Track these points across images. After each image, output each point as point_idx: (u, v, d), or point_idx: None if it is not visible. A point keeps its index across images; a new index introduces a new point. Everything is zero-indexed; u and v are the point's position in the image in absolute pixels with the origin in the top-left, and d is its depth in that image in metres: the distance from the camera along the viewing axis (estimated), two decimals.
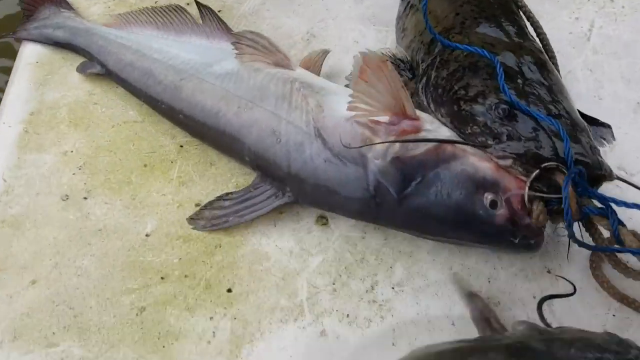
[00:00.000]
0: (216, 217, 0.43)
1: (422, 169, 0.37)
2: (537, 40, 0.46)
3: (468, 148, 0.37)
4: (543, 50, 0.43)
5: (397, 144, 0.38)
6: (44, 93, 0.52)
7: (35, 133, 0.50)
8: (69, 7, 0.57)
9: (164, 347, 0.38)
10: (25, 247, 0.43)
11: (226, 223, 0.42)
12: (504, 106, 0.38)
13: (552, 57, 0.46)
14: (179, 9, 0.52)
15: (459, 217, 0.37)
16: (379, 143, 0.38)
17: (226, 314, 0.40)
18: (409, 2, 0.53)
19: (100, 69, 0.52)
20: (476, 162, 0.37)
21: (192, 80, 0.46)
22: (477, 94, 0.40)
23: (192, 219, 0.43)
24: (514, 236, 0.36)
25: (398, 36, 0.53)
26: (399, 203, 0.37)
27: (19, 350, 0.38)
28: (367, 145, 0.38)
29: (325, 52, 0.50)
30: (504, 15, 0.46)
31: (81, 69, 0.53)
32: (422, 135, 0.38)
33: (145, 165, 0.48)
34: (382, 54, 0.47)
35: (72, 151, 0.49)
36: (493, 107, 0.38)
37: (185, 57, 0.48)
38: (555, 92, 0.39)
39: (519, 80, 0.39)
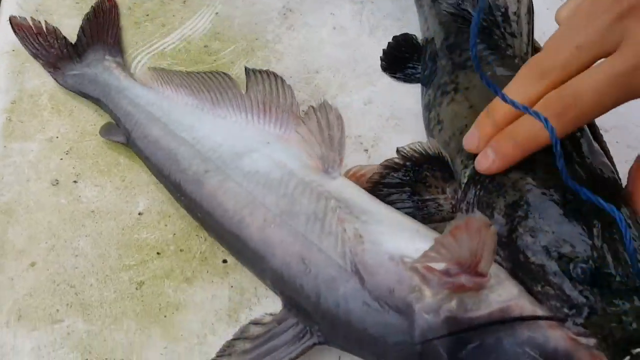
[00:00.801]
0: None
1: (482, 332, 0.32)
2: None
3: (538, 311, 0.32)
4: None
5: (454, 301, 0.32)
6: (23, 81, 0.53)
7: (19, 121, 0.50)
8: (116, 54, 0.52)
9: (165, 317, 0.40)
10: (20, 232, 0.44)
11: None
12: (584, 266, 0.32)
13: None
14: (222, 75, 0.47)
15: None
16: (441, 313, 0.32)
17: (223, 283, 0.42)
18: (439, 88, 0.47)
19: (124, 139, 0.47)
20: (548, 330, 0.32)
21: (217, 176, 0.41)
22: (549, 244, 0.33)
23: None
24: None
25: (431, 127, 0.47)
26: None
27: (26, 328, 0.39)
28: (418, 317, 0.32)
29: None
30: None
31: (104, 134, 0.48)
32: (485, 294, 0.32)
33: None
34: (413, 149, 0.40)
35: (57, 137, 0.49)
36: (571, 266, 0.32)
37: (215, 141, 0.43)
38: None
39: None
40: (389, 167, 0.41)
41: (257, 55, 0.55)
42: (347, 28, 0.58)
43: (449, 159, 0.41)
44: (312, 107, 0.42)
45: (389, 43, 0.55)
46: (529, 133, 0.36)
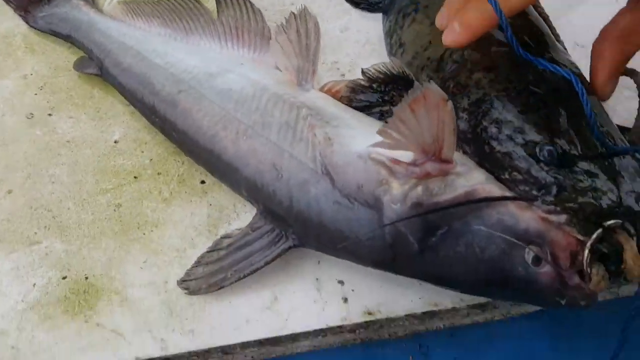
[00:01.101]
0: (212, 273, 0.37)
1: (450, 217, 0.32)
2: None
3: (510, 201, 0.32)
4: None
5: (420, 187, 0.32)
6: None
7: None
8: None
9: (144, 234, 0.40)
10: None
11: (225, 281, 0.36)
12: (550, 148, 0.32)
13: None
14: (192, 2, 0.47)
15: (493, 272, 0.32)
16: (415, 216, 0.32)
17: (201, 202, 0.42)
18: (400, 12, 0.47)
19: (97, 70, 0.47)
20: (517, 211, 0.31)
21: (191, 94, 0.41)
22: (514, 132, 0.34)
23: (184, 281, 0.37)
24: (560, 296, 0.31)
25: (394, 52, 0.47)
26: (421, 254, 0.33)
27: (4, 251, 0.39)
28: (385, 206, 0.32)
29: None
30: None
31: (77, 67, 0.48)
32: (451, 179, 0.32)
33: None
34: (378, 70, 0.40)
35: (31, 74, 0.49)
36: (537, 149, 0.33)
37: (189, 63, 0.43)
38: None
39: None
40: (355, 90, 0.41)
41: None
42: None
43: (414, 78, 0.41)
44: (293, 13, 0.42)
45: None
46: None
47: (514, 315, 0.39)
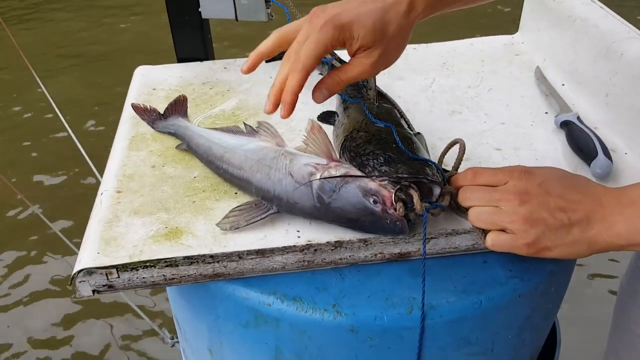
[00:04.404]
0: (233, 221, 0.78)
1: (339, 186, 0.69)
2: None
3: (365, 178, 0.70)
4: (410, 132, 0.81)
5: (326, 172, 0.70)
6: (138, 128, 1.02)
7: (136, 143, 0.98)
8: (184, 116, 1.02)
9: (206, 212, 0.81)
10: (136, 185, 0.88)
11: (240, 225, 0.74)
12: (382, 157, 0.72)
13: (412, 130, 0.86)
14: (237, 126, 0.94)
15: (359, 210, 0.68)
16: (320, 178, 0.73)
17: (235, 201, 0.83)
18: (345, 111, 0.89)
19: (187, 147, 0.95)
20: (367, 182, 0.69)
21: (230, 152, 0.82)
22: (369, 153, 0.74)
23: (219, 224, 0.75)
24: (386, 220, 0.68)
25: (337, 126, 0.90)
26: (328, 205, 0.70)
27: (138, 216, 0.81)
28: (312, 180, 0.73)
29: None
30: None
31: (178, 146, 0.96)
32: (339, 168, 0.71)
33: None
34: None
35: (154, 150, 0.96)
36: (377, 159, 0.72)
37: (231, 142, 0.84)
38: (414, 146, 0.76)
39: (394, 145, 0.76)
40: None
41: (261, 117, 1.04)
42: None
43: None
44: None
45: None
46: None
47: (386, 255, 0.76)
